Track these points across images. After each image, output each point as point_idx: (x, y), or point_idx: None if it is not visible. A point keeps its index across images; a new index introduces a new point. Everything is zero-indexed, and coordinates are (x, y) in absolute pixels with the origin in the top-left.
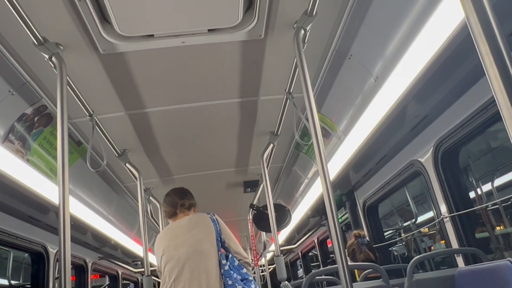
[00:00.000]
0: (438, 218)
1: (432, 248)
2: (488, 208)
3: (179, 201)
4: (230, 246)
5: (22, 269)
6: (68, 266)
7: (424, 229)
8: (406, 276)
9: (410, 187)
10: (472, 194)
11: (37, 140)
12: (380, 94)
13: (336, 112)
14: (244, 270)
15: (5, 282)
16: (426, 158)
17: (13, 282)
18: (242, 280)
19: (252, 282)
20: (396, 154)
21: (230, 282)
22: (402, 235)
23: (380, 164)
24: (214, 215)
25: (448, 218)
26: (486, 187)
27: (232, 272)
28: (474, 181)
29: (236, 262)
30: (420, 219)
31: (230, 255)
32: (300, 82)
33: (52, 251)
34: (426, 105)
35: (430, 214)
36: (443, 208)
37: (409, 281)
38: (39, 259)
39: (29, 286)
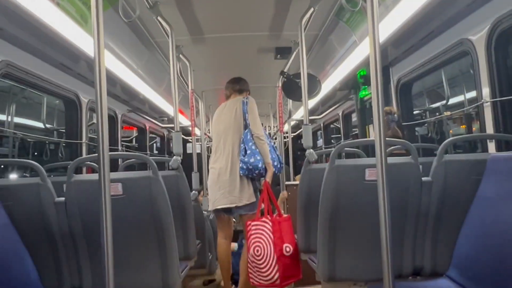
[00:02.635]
0: (478, 102)
1: (463, 127)
2: None
3: (231, 85)
4: (250, 122)
5: (55, 115)
6: (105, 117)
7: (457, 113)
8: (437, 155)
9: (447, 69)
10: None
11: None
12: None
13: None
14: (250, 144)
15: (40, 125)
16: (478, 37)
17: (47, 126)
18: (246, 150)
19: (252, 154)
20: (445, 31)
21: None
22: (431, 117)
23: (425, 40)
24: (247, 98)
25: (488, 103)
26: None
27: (243, 144)
28: None
29: (249, 136)
30: (452, 101)
31: (247, 130)
32: None
33: (84, 99)
34: None
35: (462, 98)
36: (485, 92)
37: (439, 160)
38: (72, 106)
39: (63, 130)
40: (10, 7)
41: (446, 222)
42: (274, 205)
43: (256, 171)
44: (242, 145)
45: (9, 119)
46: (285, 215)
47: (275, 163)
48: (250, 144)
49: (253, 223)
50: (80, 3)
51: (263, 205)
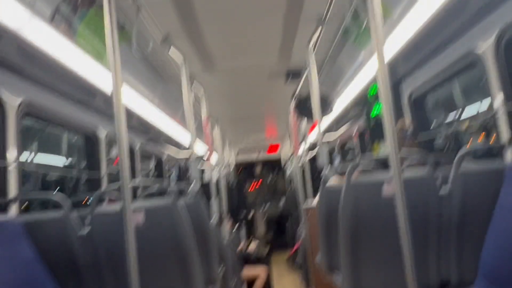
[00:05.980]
0: (492, 112)
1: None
2: None
3: None
4: None
5: (76, 150)
6: (126, 150)
7: (471, 124)
8: (453, 167)
9: (460, 80)
10: None
11: (82, 22)
12: None
13: None
14: None
15: (63, 160)
16: (486, 47)
17: (68, 160)
18: None
19: None
20: (453, 43)
21: None
22: (448, 129)
23: (434, 53)
24: None
25: (502, 111)
26: None
27: None
28: None
29: None
30: (470, 112)
31: None
32: None
33: (102, 134)
34: None
35: (475, 110)
36: (498, 102)
37: (456, 171)
38: (91, 141)
39: (83, 164)
40: (28, 49)
41: (469, 232)
42: None
43: None
44: None
45: (30, 157)
46: None
47: None
48: None
49: None
50: (96, 39)
51: None
